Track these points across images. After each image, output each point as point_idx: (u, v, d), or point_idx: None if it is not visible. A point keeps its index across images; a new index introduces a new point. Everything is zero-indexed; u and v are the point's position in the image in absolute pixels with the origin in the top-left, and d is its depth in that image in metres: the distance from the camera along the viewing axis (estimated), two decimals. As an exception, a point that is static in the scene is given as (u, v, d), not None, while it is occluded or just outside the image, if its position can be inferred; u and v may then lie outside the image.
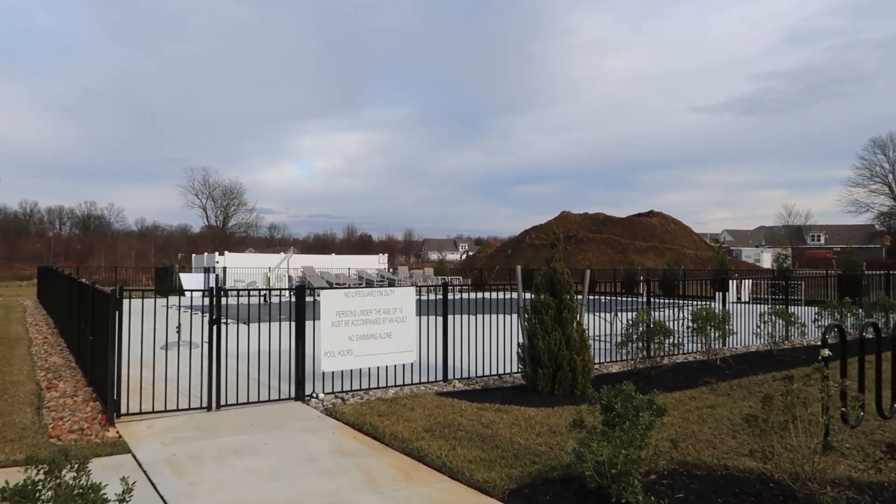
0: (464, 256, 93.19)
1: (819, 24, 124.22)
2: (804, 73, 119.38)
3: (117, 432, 6.02)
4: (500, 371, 8.91)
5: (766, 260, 76.57)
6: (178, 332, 10.77)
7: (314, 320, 7.52)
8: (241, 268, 29.40)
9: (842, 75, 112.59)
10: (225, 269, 29.39)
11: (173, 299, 24.38)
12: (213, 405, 6.88)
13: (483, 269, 34.88)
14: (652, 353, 9.31)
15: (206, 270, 28.84)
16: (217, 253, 31.64)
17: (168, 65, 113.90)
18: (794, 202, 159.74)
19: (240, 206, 74.24)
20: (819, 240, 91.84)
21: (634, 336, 8.89)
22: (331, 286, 28.90)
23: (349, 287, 31.30)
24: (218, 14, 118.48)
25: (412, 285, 7.98)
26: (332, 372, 7.59)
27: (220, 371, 6.91)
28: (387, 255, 36.90)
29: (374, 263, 34.02)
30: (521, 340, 8.05)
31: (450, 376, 8.48)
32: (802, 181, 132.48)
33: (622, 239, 64.12)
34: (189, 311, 17.07)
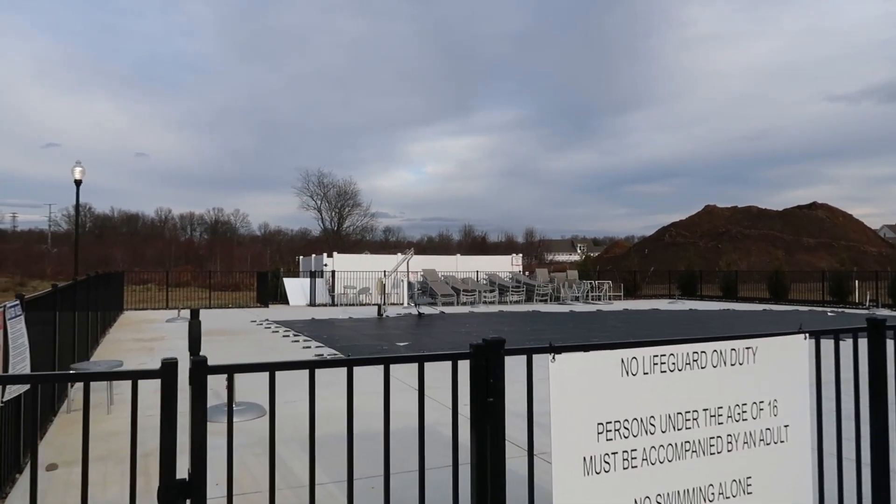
0: (583, 257, 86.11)
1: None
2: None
3: None
4: None
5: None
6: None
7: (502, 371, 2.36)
8: (353, 271, 25.25)
9: None
10: (333, 272, 25.36)
11: (275, 311, 20.41)
12: None
13: (636, 271, 28.70)
14: None
15: (313, 275, 24.95)
16: (325, 255, 27.75)
17: (292, 79, 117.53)
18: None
19: (354, 207, 71.87)
20: None
21: None
22: (457, 293, 23.91)
23: (480, 294, 25.90)
24: (337, 29, 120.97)
25: (800, 331, 2.20)
26: None
27: None
28: (521, 255, 31.43)
29: (507, 265, 28.70)
30: None
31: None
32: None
33: (784, 235, 54.57)
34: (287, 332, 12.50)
